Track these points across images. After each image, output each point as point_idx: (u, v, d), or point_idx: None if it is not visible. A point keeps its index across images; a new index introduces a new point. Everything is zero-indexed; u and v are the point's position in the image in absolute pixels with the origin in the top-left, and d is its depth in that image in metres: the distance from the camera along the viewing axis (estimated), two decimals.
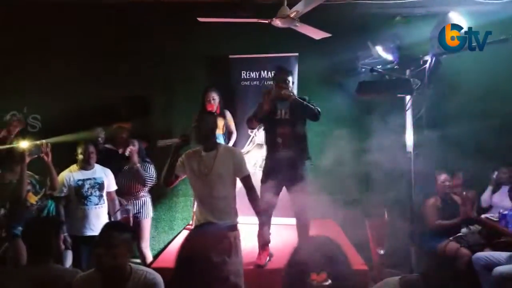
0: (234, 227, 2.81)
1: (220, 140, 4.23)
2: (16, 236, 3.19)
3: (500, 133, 4.53)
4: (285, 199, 3.50)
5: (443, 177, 4.28)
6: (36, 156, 3.30)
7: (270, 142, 3.44)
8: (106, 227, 2.12)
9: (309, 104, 3.36)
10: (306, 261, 1.63)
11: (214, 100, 4.33)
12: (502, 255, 3.38)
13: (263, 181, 3.39)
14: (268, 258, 3.38)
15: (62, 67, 4.96)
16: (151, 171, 4.14)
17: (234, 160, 2.81)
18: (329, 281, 1.48)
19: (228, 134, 4.63)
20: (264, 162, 3.61)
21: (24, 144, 3.21)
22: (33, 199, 3.36)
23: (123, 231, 2.07)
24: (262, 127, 4.68)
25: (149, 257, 4.19)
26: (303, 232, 3.36)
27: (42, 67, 4.96)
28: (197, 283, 1.68)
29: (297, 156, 3.37)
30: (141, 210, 4.06)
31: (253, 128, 3.80)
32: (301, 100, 3.35)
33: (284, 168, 3.29)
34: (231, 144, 4.54)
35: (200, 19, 3.84)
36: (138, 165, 3.99)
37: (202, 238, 1.77)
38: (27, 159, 3.22)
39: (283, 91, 3.30)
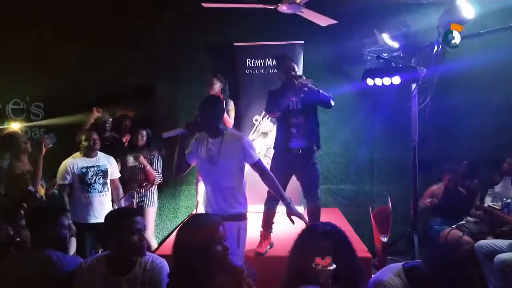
0: (239, 217, 2.62)
1: None
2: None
3: (509, 124, 4.49)
4: (291, 187, 3.47)
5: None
6: (51, 145, 3.29)
7: (283, 132, 3.37)
8: (127, 214, 2.05)
9: (323, 92, 3.31)
10: (312, 246, 1.64)
11: (212, 84, 4.23)
12: (505, 243, 3.39)
13: (273, 169, 3.29)
14: (269, 247, 3.37)
15: (65, 54, 4.93)
16: (158, 168, 4.15)
17: (242, 146, 2.59)
18: (334, 266, 1.49)
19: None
20: (267, 150, 3.55)
21: (15, 126, 3.19)
22: (42, 192, 3.37)
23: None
24: (267, 117, 4.71)
25: (154, 245, 4.21)
26: (315, 219, 3.32)
27: (44, 55, 4.95)
28: (193, 272, 1.65)
29: (309, 144, 3.34)
30: (146, 199, 4.08)
31: (276, 117, 3.66)
32: (317, 89, 3.30)
33: (296, 157, 3.26)
34: None
35: (204, 4, 3.80)
36: (148, 166, 4.01)
37: (196, 229, 1.71)
38: (44, 150, 3.21)
39: (298, 79, 3.23)
